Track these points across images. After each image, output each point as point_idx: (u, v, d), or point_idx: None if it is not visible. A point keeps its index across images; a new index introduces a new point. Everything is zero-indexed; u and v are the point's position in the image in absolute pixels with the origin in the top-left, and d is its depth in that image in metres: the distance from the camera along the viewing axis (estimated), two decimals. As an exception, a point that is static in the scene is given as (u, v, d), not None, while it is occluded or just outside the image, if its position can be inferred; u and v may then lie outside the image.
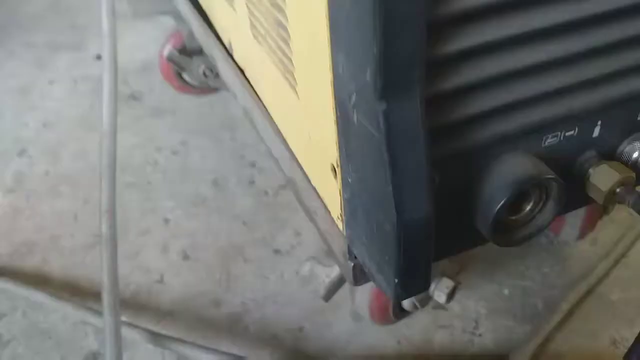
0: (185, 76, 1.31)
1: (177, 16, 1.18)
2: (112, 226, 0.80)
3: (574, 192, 0.51)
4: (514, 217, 0.49)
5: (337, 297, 0.77)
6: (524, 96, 0.44)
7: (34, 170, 1.20)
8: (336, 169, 0.50)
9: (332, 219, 0.58)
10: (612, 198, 0.50)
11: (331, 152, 0.50)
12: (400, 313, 0.84)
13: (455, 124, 0.43)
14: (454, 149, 0.44)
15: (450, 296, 0.75)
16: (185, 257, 0.98)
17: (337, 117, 0.45)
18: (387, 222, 0.42)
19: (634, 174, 0.50)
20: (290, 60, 0.55)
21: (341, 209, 0.52)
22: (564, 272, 0.95)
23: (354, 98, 0.41)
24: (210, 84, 1.29)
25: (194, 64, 1.26)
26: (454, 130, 0.44)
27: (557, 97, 0.47)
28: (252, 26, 0.69)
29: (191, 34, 1.12)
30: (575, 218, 0.92)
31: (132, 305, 0.93)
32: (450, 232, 0.48)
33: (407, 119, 0.38)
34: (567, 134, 0.49)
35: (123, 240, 1.01)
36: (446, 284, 0.75)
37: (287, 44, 0.55)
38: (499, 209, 0.45)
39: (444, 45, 0.39)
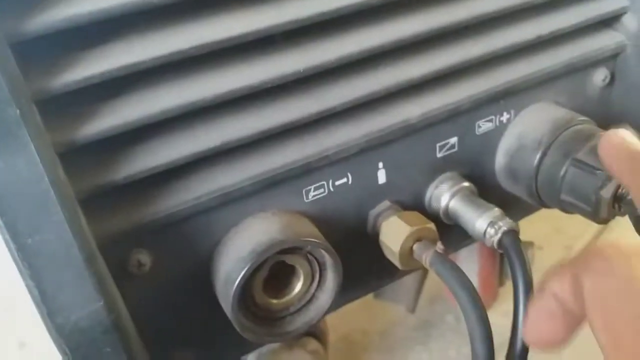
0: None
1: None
2: None
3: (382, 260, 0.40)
4: (278, 300, 0.37)
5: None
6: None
7: None
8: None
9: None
10: (409, 259, 0.38)
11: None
12: None
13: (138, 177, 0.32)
14: (160, 216, 0.33)
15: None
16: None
17: None
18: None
19: (432, 225, 0.39)
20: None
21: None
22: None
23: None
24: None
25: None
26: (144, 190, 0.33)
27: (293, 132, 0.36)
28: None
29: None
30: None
31: None
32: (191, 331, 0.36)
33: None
34: (337, 182, 0.39)
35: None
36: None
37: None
38: (236, 290, 0.34)
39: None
